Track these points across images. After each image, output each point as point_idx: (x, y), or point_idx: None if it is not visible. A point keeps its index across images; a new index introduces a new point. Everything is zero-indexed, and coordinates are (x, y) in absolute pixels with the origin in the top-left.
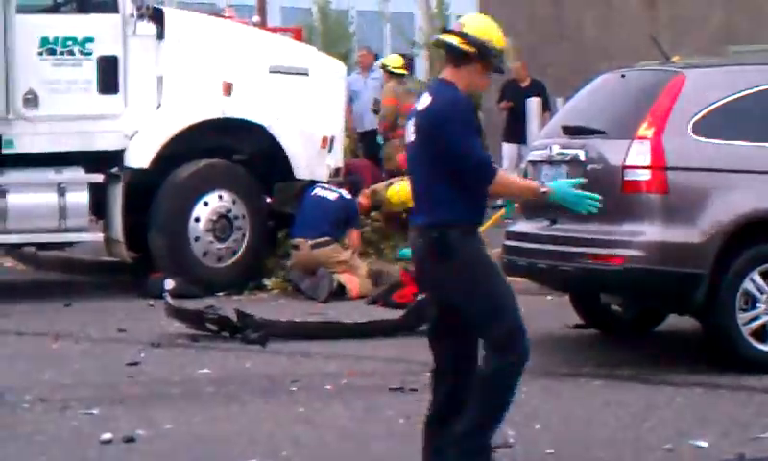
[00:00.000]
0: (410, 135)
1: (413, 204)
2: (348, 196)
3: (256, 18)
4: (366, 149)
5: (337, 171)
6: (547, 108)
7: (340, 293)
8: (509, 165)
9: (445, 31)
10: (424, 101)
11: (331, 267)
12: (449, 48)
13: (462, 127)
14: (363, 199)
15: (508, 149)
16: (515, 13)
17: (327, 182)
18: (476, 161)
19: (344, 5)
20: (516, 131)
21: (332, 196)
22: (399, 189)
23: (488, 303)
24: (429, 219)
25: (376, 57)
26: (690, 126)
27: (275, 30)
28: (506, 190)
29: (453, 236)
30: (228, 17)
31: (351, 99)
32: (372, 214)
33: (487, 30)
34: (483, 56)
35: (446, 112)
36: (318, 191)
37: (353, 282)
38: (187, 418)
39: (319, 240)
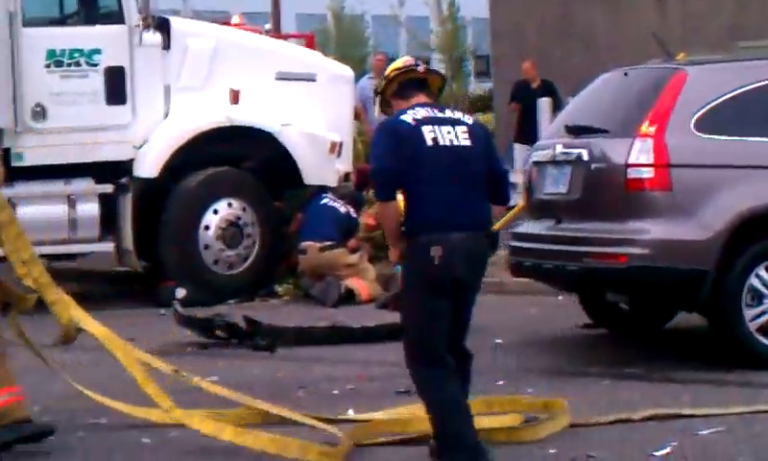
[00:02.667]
0: (454, 140)
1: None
2: (354, 215)
3: (268, 26)
4: None
5: (346, 176)
6: (558, 108)
7: (349, 298)
8: (522, 166)
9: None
10: (455, 114)
11: (339, 270)
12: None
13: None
14: (369, 220)
15: (520, 149)
16: (524, 15)
17: (333, 188)
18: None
19: (358, 10)
20: (528, 131)
21: (341, 208)
22: (399, 201)
23: None
24: (481, 219)
25: (392, 61)
26: (693, 123)
27: (286, 37)
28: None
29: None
30: (237, 25)
31: (366, 105)
32: (377, 232)
33: None
34: None
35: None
36: (327, 201)
37: (362, 286)
38: None
39: (327, 244)
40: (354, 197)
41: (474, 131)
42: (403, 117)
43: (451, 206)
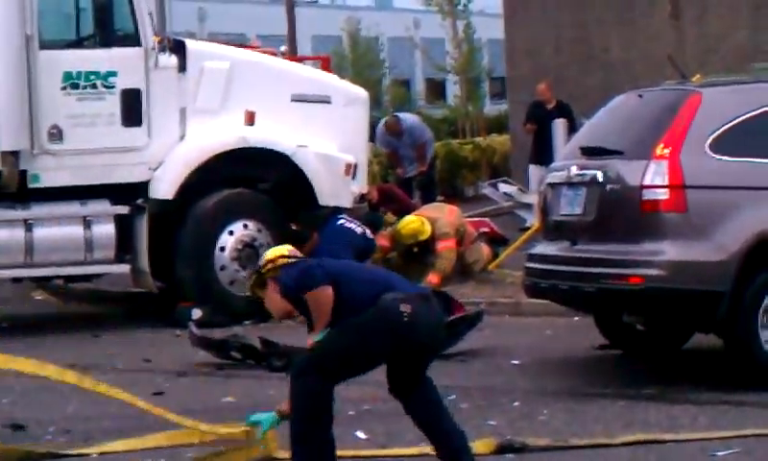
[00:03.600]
0: None
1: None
2: (371, 236)
3: (284, 48)
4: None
5: (362, 197)
6: (573, 129)
7: None
8: (537, 188)
9: None
10: None
11: None
12: None
13: None
14: (384, 241)
15: (534, 171)
16: (541, 37)
17: (350, 209)
18: None
19: (373, 32)
20: (543, 152)
21: (358, 230)
22: (409, 220)
23: None
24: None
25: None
26: (708, 144)
27: (302, 59)
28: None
29: None
30: (253, 47)
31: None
32: (392, 254)
33: None
34: None
35: None
36: (344, 221)
37: None
38: (211, 447)
39: None
40: (370, 218)
41: None
42: None
43: None
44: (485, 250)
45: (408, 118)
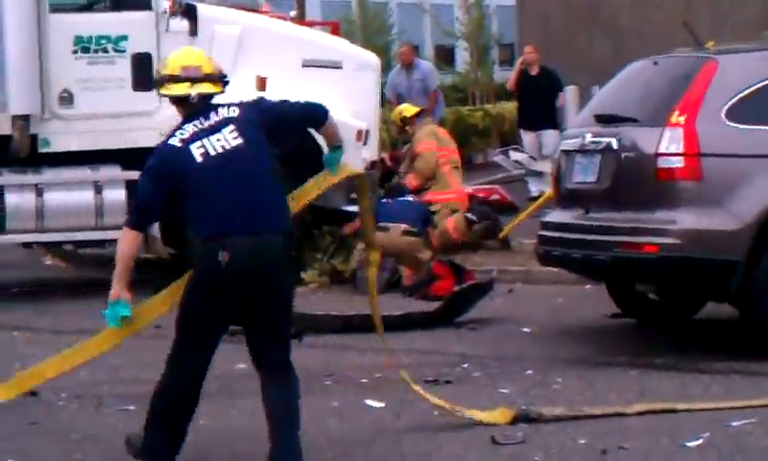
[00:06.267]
0: (225, 144)
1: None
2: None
3: (294, 13)
4: None
5: (372, 164)
6: (556, 93)
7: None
8: (532, 153)
9: None
10: (220, 114)
11: (406, 258)
12: None
13: None
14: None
15: (525, 136)
16: (551, 3)
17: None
18: None
19: None
20: (528, 117)
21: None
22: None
23: None
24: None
25: (416, 49)
26: (724, 112)
27: (312, 24)
28: None
29: None
30: (264, 12)
31: (399, 99)
32: None
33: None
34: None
35: None
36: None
37: (408, 277)
38: (223, 413)
39: (411, 229)
40: (395, 189)
41: (242, 122)
42: (170, 141)
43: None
44: (448, 223)
45: (423, 62)
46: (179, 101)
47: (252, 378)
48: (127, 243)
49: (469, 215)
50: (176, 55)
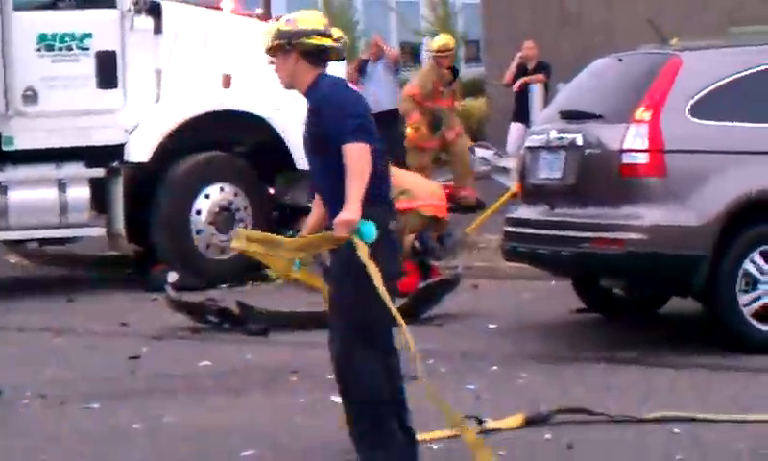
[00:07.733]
0: None
1: None
2: None
3: (260, 10)
4: (387, 130)
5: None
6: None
7: None
8: (513, 147)
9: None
10: None
11: None
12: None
13: None
14: None
15: (512, 129)
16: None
17: None
18: None
19: None
20: (522, 112)
21: None
22: None
23: None
24: None
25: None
26: (688, 108)
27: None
28: None
29: None
30: (219, 8)
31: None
32: None
33: (301, 18)
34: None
35: None
36: None
37: None
38: (187, 410)
39: None
40: None
41: None
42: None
43: None
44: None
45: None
46: (317, 54)
47: (216, 375)
48: (367, 159)
49: (416, 244)
50: (310, 13)
